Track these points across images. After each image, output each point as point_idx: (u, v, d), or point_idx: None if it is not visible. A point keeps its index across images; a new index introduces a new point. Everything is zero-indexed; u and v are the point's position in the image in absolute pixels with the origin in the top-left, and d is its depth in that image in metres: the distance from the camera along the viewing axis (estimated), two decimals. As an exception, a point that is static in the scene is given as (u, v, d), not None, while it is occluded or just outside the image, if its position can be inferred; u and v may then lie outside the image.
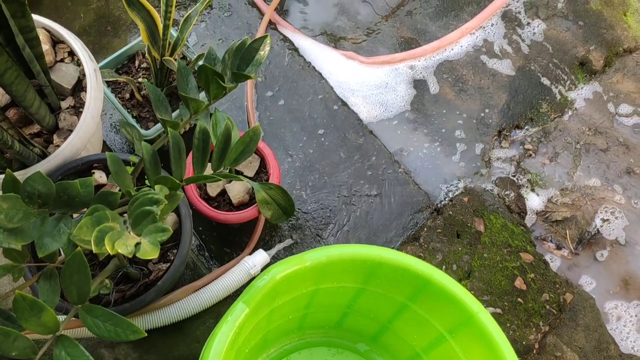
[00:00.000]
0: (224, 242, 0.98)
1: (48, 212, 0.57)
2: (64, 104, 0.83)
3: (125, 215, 0.59)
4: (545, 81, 1.21)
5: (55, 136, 0.80)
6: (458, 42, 1.24)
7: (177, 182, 0.56)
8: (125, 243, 0.48)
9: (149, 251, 0.47)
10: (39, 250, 0.56)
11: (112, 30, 1.17)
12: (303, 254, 0.69)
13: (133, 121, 0.95)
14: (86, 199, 0.58)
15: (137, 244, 0.48)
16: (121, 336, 0.56)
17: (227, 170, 0.64)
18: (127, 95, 0.99)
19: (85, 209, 0.60)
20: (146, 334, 0.57)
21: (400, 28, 1.25)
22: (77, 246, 0.57)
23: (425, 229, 1.02)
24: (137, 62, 1.03)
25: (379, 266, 0.71)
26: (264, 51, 0.65)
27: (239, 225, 0.98)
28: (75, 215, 0.63)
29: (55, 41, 0.88)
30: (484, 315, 0.69)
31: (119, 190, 0.63)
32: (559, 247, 1.07)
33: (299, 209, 1.02)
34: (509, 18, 1.26)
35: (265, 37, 0.66)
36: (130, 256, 0.47)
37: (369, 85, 1.17)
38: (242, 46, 0.66)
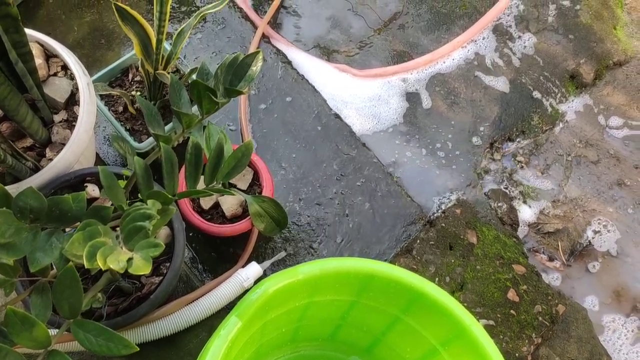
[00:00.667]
0: (217, 255, 0.98)
1: (40, 226, 0.57)
2: (57, 118, 0.83)
3: (118, 229, 0.59)
4: (537, 94, 1.22)
5: (48, 150, 0.80)
6: (450, 56, 1.25)
7: (170, 196, 0.57)
8: (117, 258, 0.48)
9: (141, 267, 0.47)
10: (31, 265, 0.56)
11: (106, 43, 1.17)
12: (296, 267, 0.70)
13: (126, 134, 0.95)
14: (78, 213, 0.58)
15: (129, 259, 0.48)
16: (113, 351, 0.56)
17: (220, 185, 0.65)
18: (121, 108, 0.99)
19: (78, 223, 0.60)
20: (138, 349, 0.56)
21: (393, 41, 1.26)
22: (69, 260, 0.57)
23: (418, 241, 1.02)
24: (130, 75, 1.03)
25: (372, 279, 0.72)
26: (257, 67, 0.65)
27: (232, 237, 0.98)
28: (67, 230, 0.63)
29: (49, 55, 0.89)
30: (477, 328, 0.69)
31: (112, 204, 0.63)
32: (551, 259, 1.08)
33: (292, 221, 1.02)
34: (500, 32, 1.28)
35: (257, 52, 0.66)
36: (122, 272, 0.47)
37: (361, 97, 1.18)
38: (234, 61, 0.66)
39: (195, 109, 0.89)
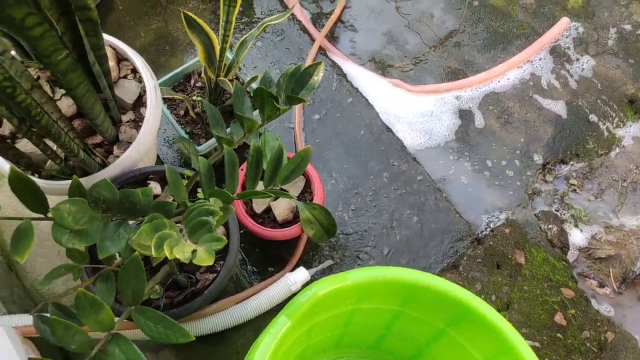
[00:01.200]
0: (265, 258, 1.01)
1: (110, 217, 0.61)
2: (125, 118, 0.88)
3: (179, 224, 0.62)
4: (593, 117, 1.20)
5: (115, 147, 0.85)
6: (505, 75, 1.25)
7: (231, 195, 0.59)
8: (182, 250, 0.51)
9: (205, 258, 0.50)
10: (100, 253, 0.60)
11: (170, 50, 1.23)
12: (345, 273, 0.71)
13: (186, 137, 0.99)
14: (145, 207, 0.61)
15: (194, 251, 0.51)
16: (171, 338, 0.59)
17: (278, 187, 0.67)
18: (182, 112, 1.04)
19: (142, 217, 0.63)
20: (194, 338, 0.59)
21: (448, 59, 1.27)
22: (134, 251, 0.60)
23: (465, 258, 1.02)
24: (192, 81, 1.07)
25: (419, 290, 0.72)
26: (318, 77, 0.68)
27: (280, 242, 1.00)
28: (131, 222, 0.66)
29: (120, 58, 0.94)
30: (523, 347, 0.68)
31: (174, 201, 0.67)
32: (601, 285, 1.05)
33: (340, 230, 1.04)
34: (557, 53, 1.27)
35: (319, 63, 0.69)
36: (187, 262, 0.50)
37: (414, 113, 1.19)
38: (296, 71, 0.69)
39: (255, 114, 0.92)
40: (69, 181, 0.77)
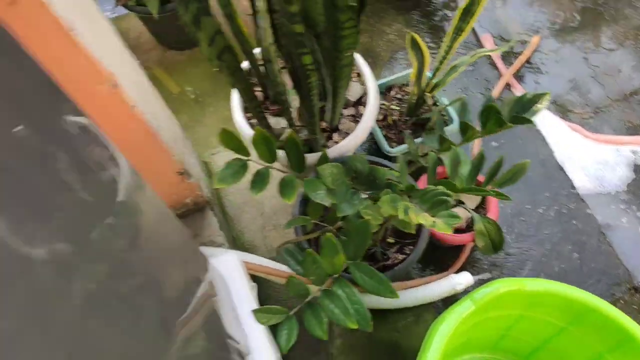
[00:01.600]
0: (429, 258, 1.11)
1: (352, 185, 0.75)
2: (346, 112, 1.03)
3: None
4: None
5: (335, 135, 1.01)
6: (687, 140, 1.26)
7: (457, 185, 0.71)
8: (424, 218, 0.63)
9: (443, 228, 0.62)
10: (338, 212, 0.74)
11: (372, 63, 1.39)
12: (523, 279, 0.80)
13: (382, 138, 1.13)
14: (381, 183, 0.75)
15: (433, 222, 0.63)
16: (380, 292, 0.71)
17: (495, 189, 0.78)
18: (381, 117, 1.18)
19: (370, 192, 0.77)
20: (399, 297, 0.71)
21: (630, 114, 1.31)
22: (360, 217, 0.74)
23: (622, 302, 1.06)
24: (392, 92, 1.22)
25: (590, 312, 0.79)
26: (542, 104, 0.78)
27: (445, 247, 1.11)
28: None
29: (346, 62, 1.10)
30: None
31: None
32: None
33: (502, 249, 1.12)
34: None
35: (545, 94, 0.79)
36: (429, 227, 0.62)
37: (588, 158, 1.25)
38: (522, 98, 0.80)
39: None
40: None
